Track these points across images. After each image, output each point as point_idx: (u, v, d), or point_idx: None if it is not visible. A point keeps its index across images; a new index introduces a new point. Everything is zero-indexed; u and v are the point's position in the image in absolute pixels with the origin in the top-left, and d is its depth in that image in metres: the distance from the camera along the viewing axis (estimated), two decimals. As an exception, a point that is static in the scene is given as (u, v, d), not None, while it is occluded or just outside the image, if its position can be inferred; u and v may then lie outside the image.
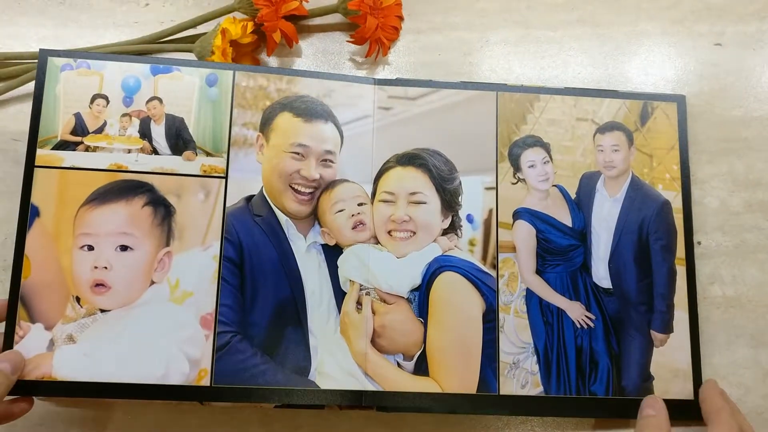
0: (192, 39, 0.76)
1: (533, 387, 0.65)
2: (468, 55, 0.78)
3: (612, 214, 0.70)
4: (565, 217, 0.70)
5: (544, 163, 0.70)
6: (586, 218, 0.70)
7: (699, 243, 0.72)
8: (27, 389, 0.60)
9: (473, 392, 0.64)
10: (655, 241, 0.69)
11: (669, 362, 0.67)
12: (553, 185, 0.70)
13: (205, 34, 0.74)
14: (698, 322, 0.68)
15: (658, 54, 0.78)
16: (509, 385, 0.65)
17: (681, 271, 0.69)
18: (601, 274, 0.69)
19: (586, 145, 0.71)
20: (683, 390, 0.66)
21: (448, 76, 0.76)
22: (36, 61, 0.74)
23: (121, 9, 0.79)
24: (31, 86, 0.73)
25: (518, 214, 0.69)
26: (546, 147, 0.71)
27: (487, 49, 0.78)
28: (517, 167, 0.70)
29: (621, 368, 0.67)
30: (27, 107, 0.73)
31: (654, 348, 0.67)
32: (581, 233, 0.70)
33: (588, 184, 0.71)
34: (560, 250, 0.69)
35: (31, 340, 0.61)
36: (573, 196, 0.70)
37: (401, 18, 0.78)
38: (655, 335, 0.67)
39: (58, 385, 0.60)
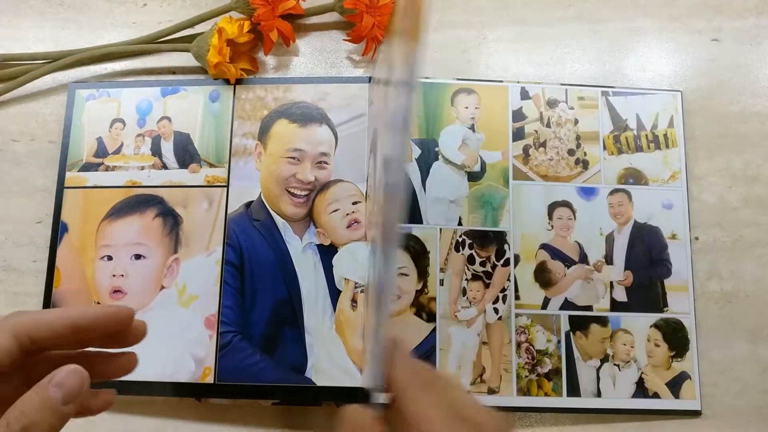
0: (189, 39, 0.84)
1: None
2: (465, 53, 0.86)
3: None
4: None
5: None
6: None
7: (697, 238, 0.79)
8: None
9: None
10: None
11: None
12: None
13: (202, 33, 0.81)
14: None
15: (655, 50, 0.86)
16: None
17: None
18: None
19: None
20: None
21: (445, 73, 0.84)
22: (35, 62, 0.85)
23: (119, 10, 0.88)
24: (30, 87, 0.84)
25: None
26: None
27: (484, 47, 0.86)
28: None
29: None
30: (26, 108, 0.84)
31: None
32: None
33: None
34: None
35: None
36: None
37: (398, 16, 0.87)
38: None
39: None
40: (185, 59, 0.85)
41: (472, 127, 0.79)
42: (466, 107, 0.80)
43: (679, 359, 0.76)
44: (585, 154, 0.80)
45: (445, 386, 0.46)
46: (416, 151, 0.78)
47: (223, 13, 0.84)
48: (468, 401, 0.45)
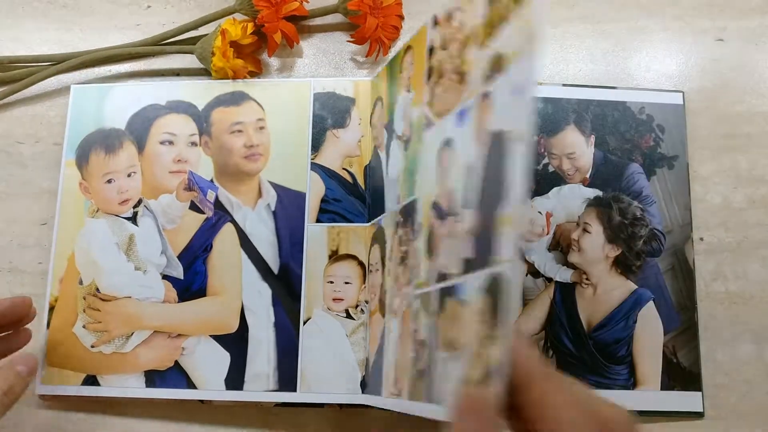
0: (193, 41, 0.84)
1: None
2: (468, 54, 0.86)
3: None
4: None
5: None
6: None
7: (702, 239, 0.79)
8: None
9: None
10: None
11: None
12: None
13: (206, 35, 0.82)
14: None
15: (659, 50, 0.85)
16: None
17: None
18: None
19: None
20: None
21: (448, 74, 0.85)
22: (39, 64, 0.85)
23: (123, 12, 0.88)
24: (34, 89, 0.84)
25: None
26: None
27: (487, 48, 0.86)
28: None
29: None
30: (30, 110, 0.84)
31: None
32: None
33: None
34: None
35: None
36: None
37: (402, 17, 0.85)
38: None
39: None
40: (189, 61, 0.85)
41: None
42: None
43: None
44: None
45: (570, 381, 0.44)
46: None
47: (227, 15, 0.84)
48: (596, 398, 0.43)
